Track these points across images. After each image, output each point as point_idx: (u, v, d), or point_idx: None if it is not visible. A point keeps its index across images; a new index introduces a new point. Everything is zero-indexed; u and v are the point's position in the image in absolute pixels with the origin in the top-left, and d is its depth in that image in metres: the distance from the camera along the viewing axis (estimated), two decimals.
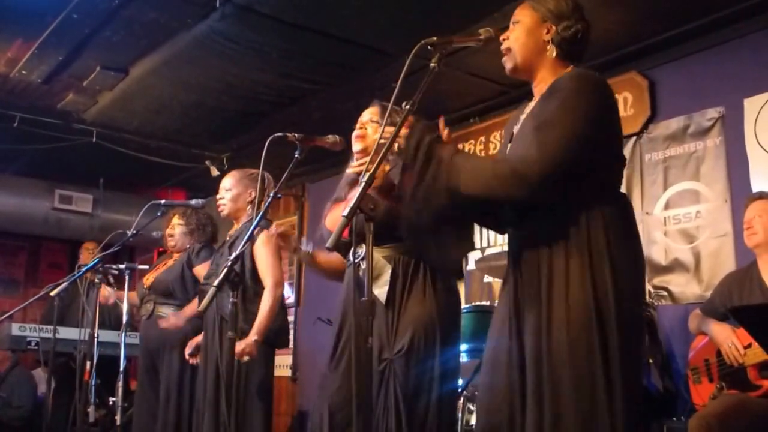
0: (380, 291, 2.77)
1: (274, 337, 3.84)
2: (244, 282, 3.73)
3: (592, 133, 2.12)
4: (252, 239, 3.64)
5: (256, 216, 3.44)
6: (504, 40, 2.36)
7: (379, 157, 2.05)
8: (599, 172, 2.19)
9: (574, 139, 2.09)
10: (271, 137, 2.97)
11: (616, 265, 2.10)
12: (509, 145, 2.35)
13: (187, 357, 4.14)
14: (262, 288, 3.81)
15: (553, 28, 2.31)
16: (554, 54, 2.31)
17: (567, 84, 2.17)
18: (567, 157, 2.08)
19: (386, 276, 2.77)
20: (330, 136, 3.05)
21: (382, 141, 2.17)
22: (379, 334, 2.76)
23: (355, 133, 3.00)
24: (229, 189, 4.01)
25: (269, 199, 3.45)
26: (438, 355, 2.69)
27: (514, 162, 2.12)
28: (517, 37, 2.34)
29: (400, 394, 2.63)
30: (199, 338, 4.11)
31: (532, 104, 2.35)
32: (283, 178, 3.05)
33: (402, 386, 2.64)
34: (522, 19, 2.35)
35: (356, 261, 2.80)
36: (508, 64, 2.37)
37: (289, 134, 2.98)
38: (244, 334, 3.62)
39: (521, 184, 2.08)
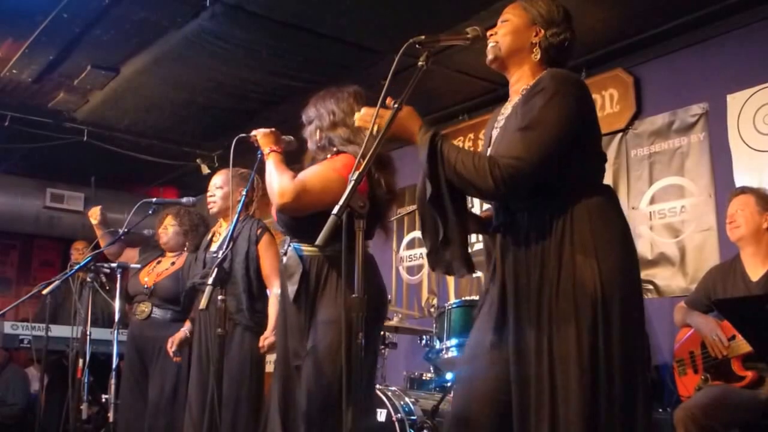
0: (291, 289, 2.80)
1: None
2: (250, 280, 3.76)
3: (574, 132, 2.16)
4: (234, 239, 3.68)
5: (232, 217, 3.51)
6: (491, 35, 2.37)
7: (369, 155, 2.06)
8: (582, 169, 2.23)
9: (557, 139, 2.13)
10: (236, 138, 3.05)
11: (602, 256, 2.13)
12: (488, 149, 2.36)
13: (171, 354, 4.13)
14: (266, 286, 3.84)
15: (542, 32, 2.33)
16: (538, 57, 2.34)
17: (549, 84, 2.19)
18: (551, 156, 2.13)
19: (297, 275, 2.78)
20: (285, 136, 3.05)
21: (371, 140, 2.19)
22: (293, 333, 2.79)
23: None
24: (220, 187, 4.03)
25: (241, 199, 3.49)
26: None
27: (499, 160, 2.14)
28: (505, 34, 2.36)
29: (312, 394, 2.63)
30: (180, 335, 4.11)
31: (509, 105, 2.37)
32: (250, 178, 3.10)
33: (311, 386, 2.64)
34: (512, 18, 2.37)
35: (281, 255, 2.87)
36: (489, 54, 2.39)
37: (251, 135, 3.03)
38: (248, 330, 3.69)
39: (503, 179, 2.10)
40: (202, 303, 2.81)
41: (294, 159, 2.98)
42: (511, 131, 2.22)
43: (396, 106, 2.16)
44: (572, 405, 2.05)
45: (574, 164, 2.20)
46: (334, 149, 2.85)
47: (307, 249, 2.81)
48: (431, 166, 2.18)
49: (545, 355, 2.11)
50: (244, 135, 3.06)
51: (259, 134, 2.99)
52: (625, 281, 2.15)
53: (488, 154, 2.26)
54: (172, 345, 4.09)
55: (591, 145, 2.28)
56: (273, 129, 3.00)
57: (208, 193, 4.07)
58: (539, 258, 2.19)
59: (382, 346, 5.10)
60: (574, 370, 2.06)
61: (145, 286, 4.64)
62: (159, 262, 4.78)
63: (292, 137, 3.05)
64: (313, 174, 2.75)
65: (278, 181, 2.75)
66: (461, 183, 2.17)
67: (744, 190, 3.80)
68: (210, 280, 2.86)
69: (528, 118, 2.18)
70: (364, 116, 2.31)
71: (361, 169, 2.00)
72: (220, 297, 2.97)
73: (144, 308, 4.58)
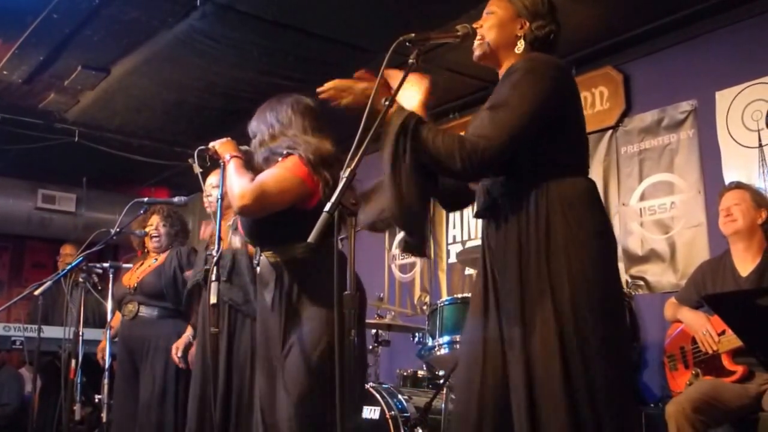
0: (268, 297, 2.84)
1: None
2: (255, 270, 3.76)
3: (545, 113, 2.15)
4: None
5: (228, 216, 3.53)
6: (478, 28, 2.38)
7: (359, 152, 2.06)
8: (562, 154, 2.22)
9: (524, 119, 2.12)
10: (197, 150, 3.20)
11: (574, 249, 2.11)
12: None
13: (176, 360, 4.19)
14: None
15: (527, 24, 2.33)
16: (523, 49, 2.33)
17: (521, 66, 2.20)
18: (519, 135, 2.13)
19: (272, 283, 2.82)
20: (242, 146, 3.10)
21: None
22: (273, 339, 2.81)
23: None
24: (217, 186, 4.03)
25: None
26: (320, 357, 2.66)
27: (466, 139, 2.15)
28: (491, 27, 2.36)
29: (290, 396, 2.66)
30: (183, 340, 4.15)
31: None
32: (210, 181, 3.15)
33: (287, 388, 2.67)
34: (497, 11, 2.37)
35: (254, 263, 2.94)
36: (477, 51, 2.39)
37: (209, 147, 3.13)
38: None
39: (470, 159, 2.11)
40: (215, 296, 2.88)
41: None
42: (481, 112, 2.22)
43: (387, 103, 2.17)
44: (553, 399, 2.04)
45: (553, 148, 2.20)
46: (284, 153, 2.87)
47: (272, 257, 2.84)
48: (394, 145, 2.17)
49: (519, 347, 2.10)
50: (203, 147, 3.16)
51: (217, 144, 3.09)
52: (600, 276, 2.13)
53: None
54: (176, 351, 4.17)
55: (571, 130, 2.26)
56: (229, 138, 3.10)
57: (205, 194, 4.08)
58: (520, 246, 2.18)
59: (376, 344, 5.12)
60: (551, 366, 2.05)
61: (126, 285, 4.65)
62: (141, 264, 4.78)
63: (248, 147, 3.10)
64: (269, 176, 2.77)
65: (238, 184, 2.79)
66: (431, 162, 2.17)
67: (739, 185, 3.81)
68: (213, 277, 2.91)
69: (496, 97, 2.19)
70: (333, 86, 2.30)
71: (352, 167, 2.00)
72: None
73: (131, 308, 4.59)
